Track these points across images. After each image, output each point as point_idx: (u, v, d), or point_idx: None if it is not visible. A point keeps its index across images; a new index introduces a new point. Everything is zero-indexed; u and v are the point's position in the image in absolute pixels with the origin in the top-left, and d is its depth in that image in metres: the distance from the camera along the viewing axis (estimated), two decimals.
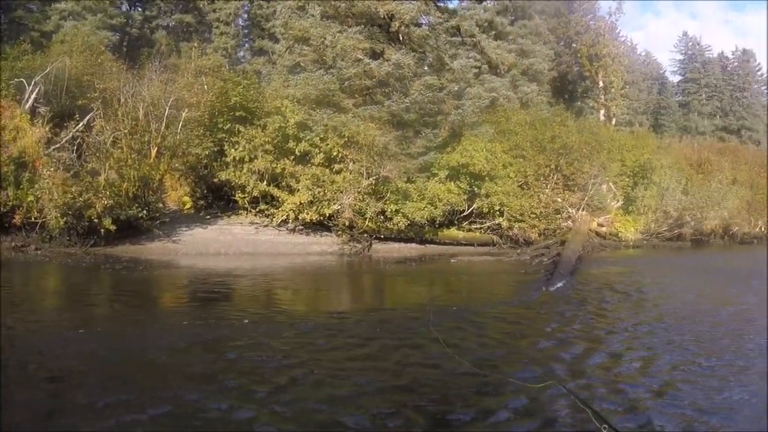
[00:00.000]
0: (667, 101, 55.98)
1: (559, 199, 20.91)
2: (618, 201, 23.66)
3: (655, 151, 26.33)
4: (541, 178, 20.79)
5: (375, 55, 17.65)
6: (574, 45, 41.04)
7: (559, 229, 20.03)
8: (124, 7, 34.99)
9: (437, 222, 17.35)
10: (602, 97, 39.61)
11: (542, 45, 34.38)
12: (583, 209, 21.31)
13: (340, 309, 8.56)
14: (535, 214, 19.67)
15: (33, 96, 15.00)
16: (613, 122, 38.00)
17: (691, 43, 58.56)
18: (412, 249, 17.00)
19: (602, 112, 39.26)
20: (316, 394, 4.28)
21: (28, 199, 12.98)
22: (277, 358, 5.26)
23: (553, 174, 21.00)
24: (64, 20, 29.65)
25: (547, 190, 20.67)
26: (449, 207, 17.26)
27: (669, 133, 45.67)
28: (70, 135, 14.69)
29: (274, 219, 16.14)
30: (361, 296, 10.62)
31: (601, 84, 39.54)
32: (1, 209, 12.81)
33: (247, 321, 6.69)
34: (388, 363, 5.24)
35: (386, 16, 17.66)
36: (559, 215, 20.68)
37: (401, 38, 18.21)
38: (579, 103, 40.39)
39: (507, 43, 26.62)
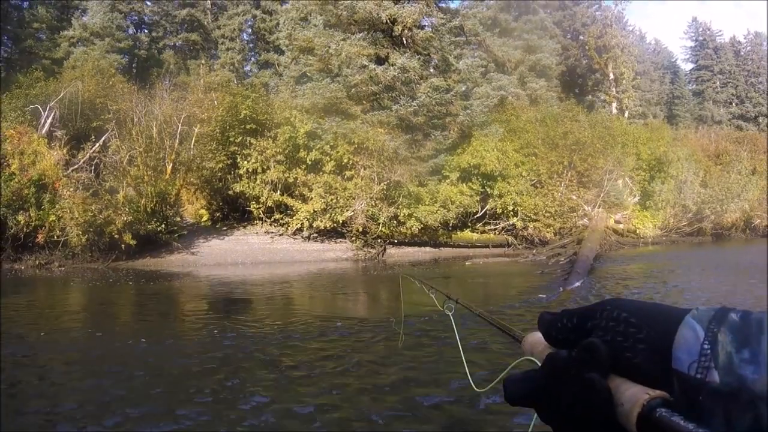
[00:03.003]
0: (681, 90, 54.85)
1: (574, 197, 20.58)
2: (635, 196, 23.19)
3: (671, 143, 25.83)
4: (555, 176, 20.50)
5: (380, 60, 17.78)
6: (581, 37, 40.59)
7: (575, 227, 19.66)
8: (131, 30, 35.80)
9: (450, 225, 17.34)
10: (613, 89, 39.07)
11: (548, 39, 34.11)
12: (599, 206, 20.86)
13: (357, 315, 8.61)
14: (549, 212, 19.42)
15: (49, 121, 15.50)
16: (626, 115, 37.45)
17: (701, 29, 57.37)
18: (426, 252, 17.01)
19: (614, 105, 38.73)
20: None
21: (50, 219, 13.45)
22: None
23: (567, 171, 20.68)
24: (74, 47, 30.46)
25: (561, 188, 20.35)
26: (462, 209, 17.25)
27: (684, 124, 44.75)
28: (87, 156, 15.20)
29: (288, 228, 16.34)
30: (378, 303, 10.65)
31: (611, 76, 39.02)
32: (25, 230, 13.28)
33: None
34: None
35: (388, 21, 17.79)
36: (575, 213, 20.31)
37: (405, 41, 18.32)
38: (590, 96, 39.89)
39: (512, 39, 26.52)
